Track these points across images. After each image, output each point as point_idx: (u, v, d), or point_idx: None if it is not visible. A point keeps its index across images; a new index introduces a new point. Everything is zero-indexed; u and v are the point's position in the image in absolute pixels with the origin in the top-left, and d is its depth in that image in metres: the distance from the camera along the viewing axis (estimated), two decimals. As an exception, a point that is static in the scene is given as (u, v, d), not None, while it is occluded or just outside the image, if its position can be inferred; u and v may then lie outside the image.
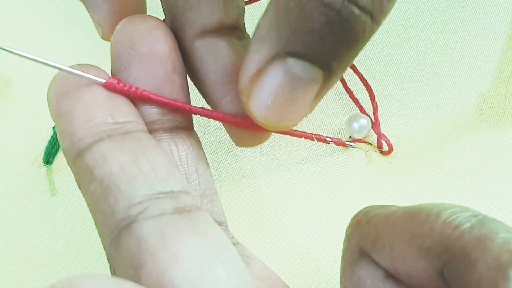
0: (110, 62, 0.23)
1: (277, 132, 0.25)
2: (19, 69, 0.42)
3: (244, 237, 0.33)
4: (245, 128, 0.24)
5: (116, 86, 0.22)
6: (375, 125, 0.38)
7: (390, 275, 0.22)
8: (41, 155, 0.39)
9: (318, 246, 0.35)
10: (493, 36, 0.41)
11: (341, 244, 0.24)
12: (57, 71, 0.22)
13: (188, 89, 0.24)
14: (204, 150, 0.25)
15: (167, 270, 0.17)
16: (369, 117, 0.38)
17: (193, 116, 0.24)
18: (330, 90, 0.22)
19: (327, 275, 0.34)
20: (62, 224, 0.37)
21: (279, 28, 0.20)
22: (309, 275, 0.34)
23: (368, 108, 0.39)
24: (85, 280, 0.15)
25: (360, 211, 0.24)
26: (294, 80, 0.21)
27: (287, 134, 0.27)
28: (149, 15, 0.24)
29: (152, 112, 0.23)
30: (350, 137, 0.38)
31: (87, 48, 0.42)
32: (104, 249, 0.20)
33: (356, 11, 0.19)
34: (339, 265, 0.24)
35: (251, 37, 0.24)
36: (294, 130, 0.27)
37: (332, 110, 0.39)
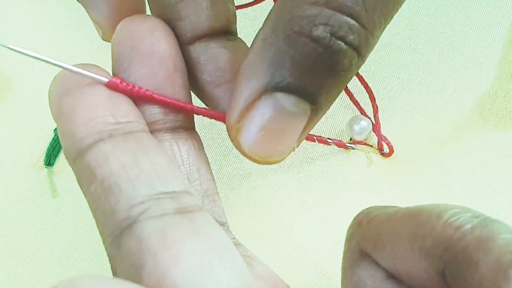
0: (110, 63, 0.23)
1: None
2: (20, 70, 0.42)
3: (245, 237, 0.33)
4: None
5: (119, 85, 0.22)
6: (375, 127, 0.38)
7: (391, 276, 0.22)
8: (42, 157, 0.39)
9: (319, 246, 0.35)
10: (493, 37, 0.41)
11: (342, 245, 0.24)
12: (58, 70, 0.22)
13: (190, 88, 0.24)
14: (206, 151, 0.25)
15: (169, 270, 0.17)
16: (370, 119, 0.38)
17: (195, 116, 0.24)
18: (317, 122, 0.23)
19: (328, 276, 0.34)
20: (63, 226, 0.37)
21: (268, 63, 0.21)
22: (310, 275, 0.34)
23: (369, 110, 0.39)
24: (87, 281, 0.15)
25: (361, 212, 0.24)
26: (283, 114, 0.21)
27: None
28: (150, 15, 0.24)
29: (154, 112, 0.23)
30: (350, 139, 0.38)
31: (88, 48, 0.42)
32: (105, 249, 0.20)
33: (344, 46, 0.20)
34: (340, 266, 0.24)
35: (241, 42, 0.25)
36: None
37: (332, 112, 0.39)
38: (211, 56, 0.24)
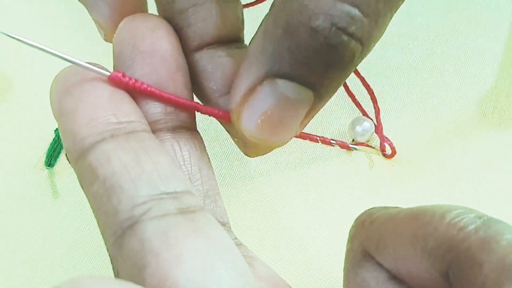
0: (111, 63, 0.23)
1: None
2: (20, 70, 0.42)
3: (247, 238, 0.33)
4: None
5: (121, 79, 0.22)
6: (378, 128, 0.38)
7: (393, 277, 0.22)
8: (43, 158, 0.39)
9: (321, 247, 0.35)
10: (495, 37, 0.41)
11: (344, 246, 0.24)
12: (59, 70, 0.22)
13: (191, 88, 0.24)
14: (207, 151, 0.25)
15: (171, 271, 0.17)
16: (372, 120, 0.38)
17: (196, 116, 0.24)
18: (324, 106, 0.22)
19: (330, 277, 0.34)
20: (64, 227, 0.37)
21: (269, 51, 0.20)
22: (312, 276, 0.34)
23: (371, 112, 0.39)
24: (89, 282, 0.15)
25: (364, 213, 0.24)
26: (283, 100, 0.21)
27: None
28: (151, 14, 0.24)
29: (156, 111, 0.23)
30: (353, 140, 0.38)
31: (88, 48, 0.42)
32: (107, 249, 0.20)
33: (345, 37, 0.19)
34: (342, 267, 0.24)
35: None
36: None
37: (334, 114, 0.39)
38: (219, 64, 0.24)
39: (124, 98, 0.22)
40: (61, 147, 0.39)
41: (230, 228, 0.24)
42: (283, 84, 0.21)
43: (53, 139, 0.39)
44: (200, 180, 0.23)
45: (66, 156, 0.22)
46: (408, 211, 0.21)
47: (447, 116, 0.39)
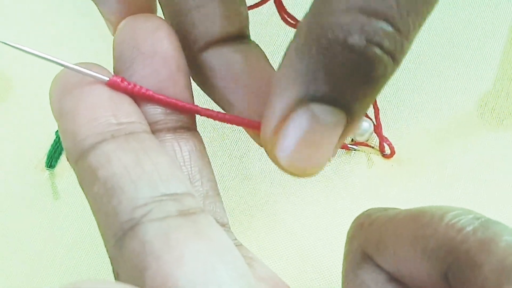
0: (112, 63, 0.23)
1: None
2: (20, 70, 0.42)
3: (247, 238, 0.33)
4: (252, 128, 0.24)
5: (120, 84, 0.21)
6: (377, 128, 0.38)
7: (393, 278, 0.22)
8: (43, 159, 0.39)
9: (320, 247, 0.35)
10: (494, 38, 0.41)
11: (343, 247, 0.24)
12: (59, 70, 0.22)
13: (192, 89, 0.24)
14: (207, 151, 0.25)
15: (172, 273, 0.17)
16: (371, 120, 0.38)
17: (197, 117, 0.24)
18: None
19: (330, 278, 0.34)
20: (65, 228, 0.37)
21: (302, 74, 0.20)
22: (311, 277, 0.34)
23: (370, 111, 0.39)
24: (90, 285, 0.15)
25: (362, 213, 0.24)
26: (319, 125, 0.21)
27: None
28: (152, 15, 0.24)
29: (156, 112, 0.23)
30: (352, 140, 0.38)
31: (88, 48, 0.42)
32: (107, 251, 0.20)
33: (380, 53, 0.19)
34: (341, 267, 0.24)
35: (255, 46, 0.25)
36: None
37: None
38: (226, 62, 0.24)
39: (124, 99, 0.22)
40: (62, 149, 0.39)
41: (230, 228, 0.24)
42: (317, 109, 0.20)
43: (54, 140, 0.39)
44: (200, 181, 0.23)
45: (67, 157, 0.21)
46: (407, 212, 0.21)
47: (446, 116, 0.39)
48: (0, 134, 0.40)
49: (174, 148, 0.23)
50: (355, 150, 0.38)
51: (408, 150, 0.38)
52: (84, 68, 0.21)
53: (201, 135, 0.25)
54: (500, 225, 0.19)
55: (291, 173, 0.22)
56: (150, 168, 0.20)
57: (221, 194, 0.24)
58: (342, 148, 0.38)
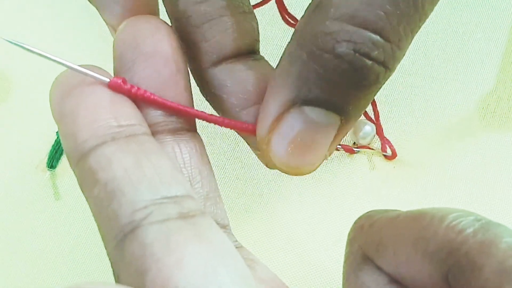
0: (112, 64, 0.23)
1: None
2: (20, 71, 0.42)
3: (247, 240, 0.33)
4: (250, 133, 0.24)
5: (121, 86, 0.21)
6: (378, 130, 0.38)
7: (394, 280, 0.22)
8: (44, 159, 0.39)
9: (322, 249, 0.35)
10: (495, 39, 0.41)
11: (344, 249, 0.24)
12: (60, 70, 0.22)
13: (191, 90, 0.24)
14: (207, 153, 0.24)
15: (172, 276, 0.17)
16: (373, 122, 0.38)
17: (197, 119, 0.24)
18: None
19: (331, 280, 0.34)
20: (66, 228, 0.37)
21: (294, 77, 0.21)
22: (312, 279, 0.34)
23: (370, 113, 0.39)
24: (90, 287, 0.15)
25: (363, 215, 0.24)
26: (312, 126, 0.21)
27: None
28: (153, 16, 0.24)
29: (156, 114, 0.23)
30: (354, 143, 0.38)
31: (89, 48, 0.42)
32: (107, 253, 0.20)
33: (368, 62, 0.20)
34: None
35: (266, 63, 0.25)
36: None
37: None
38: (238, 79, 0.23)
39: (124, 101, 0.22)
40: (63, 149, 0.39)
41: (231, 230, 0.24)
42: (310, 111, 0.21)
43: (55, 140, 0.39)
44: (201, 183, 0.23)
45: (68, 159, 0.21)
46: (407, 214, 0.21)
47: (447, 118, 0.39)
48: (1, 135, 0.40)
49: (174, 150, 0.23)
50: (358, 152, 0.38)
51: (409, 152, 0.38)
52: (84, 68, 0.21)
53: (201, 136, 0.25)
54: (501, 227, 0.19)
55: (286, 172, 0.22)
56: (150, 170, 0.20)
57: (221, 195, 0.24)
58: (347, 152, 0.38)
